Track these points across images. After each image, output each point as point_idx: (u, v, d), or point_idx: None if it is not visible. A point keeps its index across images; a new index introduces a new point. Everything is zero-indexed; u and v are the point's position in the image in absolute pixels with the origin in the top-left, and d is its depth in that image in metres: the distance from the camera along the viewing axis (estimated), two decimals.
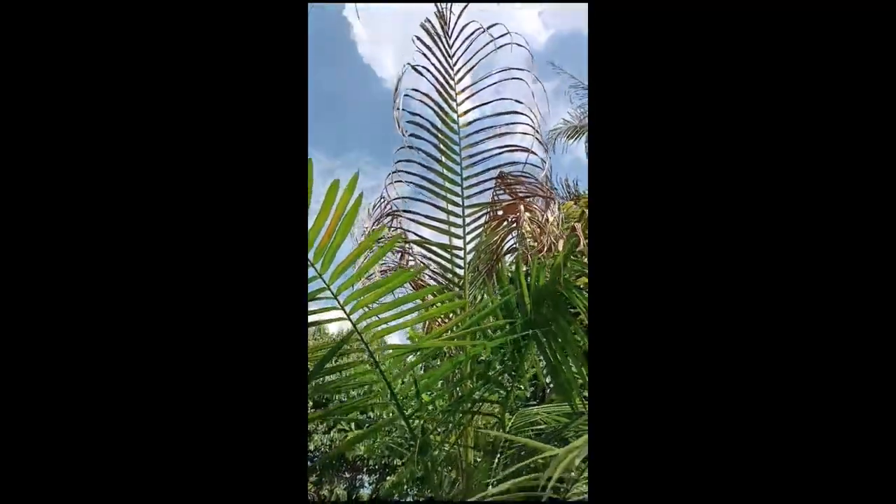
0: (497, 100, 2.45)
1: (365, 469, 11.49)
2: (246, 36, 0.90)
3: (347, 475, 11.43)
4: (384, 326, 1.80)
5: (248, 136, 0.89)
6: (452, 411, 1.95)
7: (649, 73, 0.87)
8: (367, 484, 11.85)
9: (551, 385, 4.60)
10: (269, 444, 0.86)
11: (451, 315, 2.27)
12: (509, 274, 2.33)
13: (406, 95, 2.43)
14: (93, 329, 0.83)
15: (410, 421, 1.87)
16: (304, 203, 0.96)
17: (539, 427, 2.59)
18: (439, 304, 2.18)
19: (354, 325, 1.90)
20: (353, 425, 7.03)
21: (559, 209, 2.29)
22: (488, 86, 2.49)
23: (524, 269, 2.14)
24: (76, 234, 0.84)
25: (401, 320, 1.77)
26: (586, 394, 2.31)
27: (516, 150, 2.49)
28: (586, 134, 7.27)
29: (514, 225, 2.60)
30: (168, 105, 0.88)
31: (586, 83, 7.52)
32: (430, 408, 1.92)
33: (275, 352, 0.88)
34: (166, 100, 0.88)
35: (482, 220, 2.57)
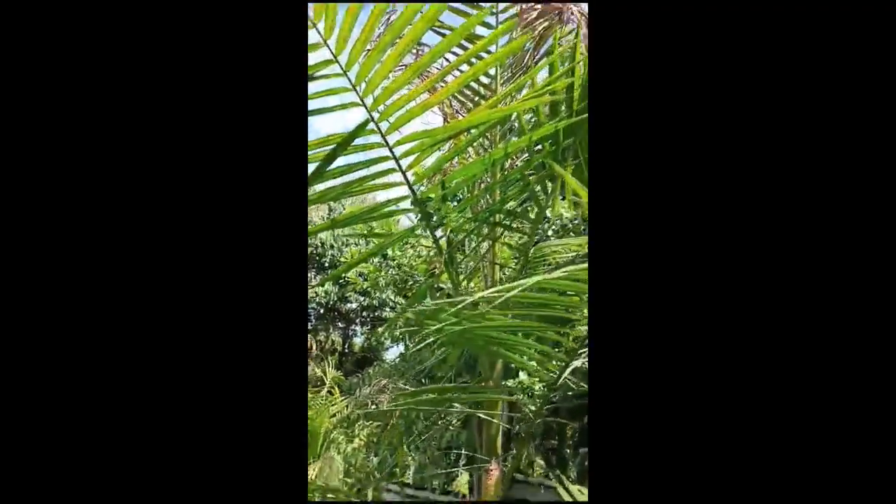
0: None
1: (358, 321, 11.96)
2: (245, 34, 0.92)
3: (342, 325, 11.90)
4: (407, 109, 1.46)
5: (248, 132, 0.92)
6: (482, 221, 1.68)
7: (651, 70, 0.89)
8: (359, 334, 12.40)
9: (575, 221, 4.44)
10: (266, 416, 0.86)
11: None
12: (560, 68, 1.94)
13: None
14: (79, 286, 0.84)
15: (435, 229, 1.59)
16: (303, 199, 0.97)
17: (562, 255, 2.41)
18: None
19: (368, 110, 1.55)
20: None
21: None
22: None
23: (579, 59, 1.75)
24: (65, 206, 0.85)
25: (417, 100, 1.42)
26: None
27: None
28: None
29: (557, 20, 2.16)
30: (166, 95, 0.89)
31: None
32: (456, 214, 1.64)
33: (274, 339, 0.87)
34: (163, 89, 0.89)
35: (513, 11, 2.12)
